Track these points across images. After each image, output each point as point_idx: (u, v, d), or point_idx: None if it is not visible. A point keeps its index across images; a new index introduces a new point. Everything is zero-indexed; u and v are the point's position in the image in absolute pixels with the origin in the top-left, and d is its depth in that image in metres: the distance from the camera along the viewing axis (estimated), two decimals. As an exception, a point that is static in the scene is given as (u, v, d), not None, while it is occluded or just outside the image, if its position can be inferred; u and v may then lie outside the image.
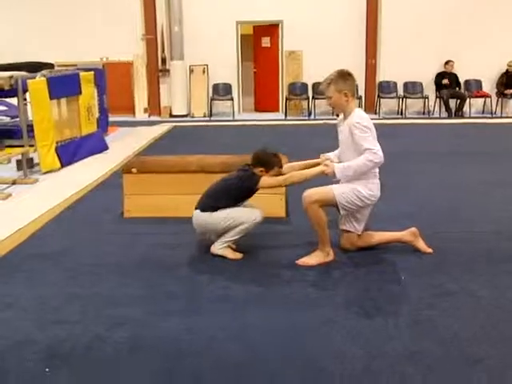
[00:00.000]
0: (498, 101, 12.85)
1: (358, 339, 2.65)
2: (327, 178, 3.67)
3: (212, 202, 3.73)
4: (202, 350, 2.57)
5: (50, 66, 9.53)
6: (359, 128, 3.51)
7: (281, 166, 3.76)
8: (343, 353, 2.52)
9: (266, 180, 3.69)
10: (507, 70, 12.65)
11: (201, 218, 3.74)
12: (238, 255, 3.77)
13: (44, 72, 7.05)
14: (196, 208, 3.78)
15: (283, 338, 2.67)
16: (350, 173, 3.56)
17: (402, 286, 3.28)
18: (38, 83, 6.69)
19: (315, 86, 12.91)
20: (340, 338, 2.66)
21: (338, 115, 3.68)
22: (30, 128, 6.71)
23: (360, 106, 12.64)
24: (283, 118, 12.81)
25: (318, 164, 3.76)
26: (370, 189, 3.65)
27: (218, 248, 3.75)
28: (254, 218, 3.70)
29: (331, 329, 2.75)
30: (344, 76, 3.62)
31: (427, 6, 12.64)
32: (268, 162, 3.71)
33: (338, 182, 3.69)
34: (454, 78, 12.68)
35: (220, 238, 3.75)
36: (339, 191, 3.62)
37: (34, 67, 8.18)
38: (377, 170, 3.70)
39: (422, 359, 2.46)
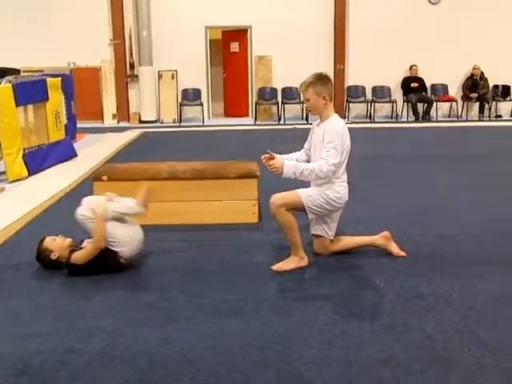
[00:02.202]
0: (463, 104, 13.11)
1: (334, 344, 2.65)
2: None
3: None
4: (178, 359, 2.54)
5: (15, 71, 9.38)
6: (332, 139, 3.53)
7: None
8: (320, 358, 2.52)
9: (78, 254, 3.59)
10: (472, 74, 12.91)
11: None
12: None
13: (10, 78, 6.92)
14: None
15: (259, 344, 2.65)
16: (298, 172, 3.54)
17: (375, 290, 3.30)
18: (3, 89, 6.54)
19: (285, 90, 12.98)
20: (316, 343, 2.66)
21: (320, 117, 3.71)
22: (-4, 135, 6.58)
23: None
24: (253, 122, 12.83)
25: None
26: (338, 192, 3.64)
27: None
28: None
29: (307, 334, 2.75)
30: (323, 79, 3.65)
31: (394, 11, 12.84)
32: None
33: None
34: (420, 83, 12.88)
35: None
36: (306, 194, 3.62)
37: (-1, 73, 8.03)
38: (345, 174, 3.71)
39: (397, 363, 2.47)
